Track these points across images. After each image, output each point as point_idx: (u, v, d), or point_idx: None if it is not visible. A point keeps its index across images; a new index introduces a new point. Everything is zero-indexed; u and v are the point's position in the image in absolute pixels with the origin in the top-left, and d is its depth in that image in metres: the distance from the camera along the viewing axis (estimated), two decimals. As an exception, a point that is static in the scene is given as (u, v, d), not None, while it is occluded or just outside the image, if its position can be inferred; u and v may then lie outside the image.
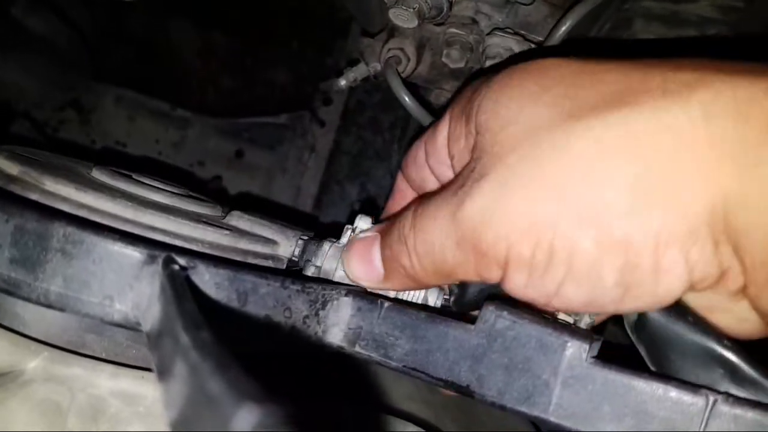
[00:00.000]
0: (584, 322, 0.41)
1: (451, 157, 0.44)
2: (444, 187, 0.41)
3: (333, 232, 0.51)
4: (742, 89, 0.31)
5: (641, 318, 0.39)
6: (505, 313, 0.39)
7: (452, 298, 0.48)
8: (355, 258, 0.46)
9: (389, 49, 0.67)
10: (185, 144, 1.15)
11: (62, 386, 0.39)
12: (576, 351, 0.37)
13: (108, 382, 0.39)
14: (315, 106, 1.21)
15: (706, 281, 0.34)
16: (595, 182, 0.33)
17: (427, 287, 0.46)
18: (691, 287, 0.34)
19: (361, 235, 0.47)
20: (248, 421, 0.16)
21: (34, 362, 0.39)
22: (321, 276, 0.48)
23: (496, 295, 0.44)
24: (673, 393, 0.34)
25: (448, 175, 0.46)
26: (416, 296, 0.48)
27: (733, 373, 0.36)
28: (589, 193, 0.33)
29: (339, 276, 0.47)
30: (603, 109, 0.33)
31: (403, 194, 0.53)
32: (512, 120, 0.37)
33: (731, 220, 0.31)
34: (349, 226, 0.50)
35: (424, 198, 0.42)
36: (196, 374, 0.19)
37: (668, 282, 0.33)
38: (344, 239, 0.49)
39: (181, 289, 0.28)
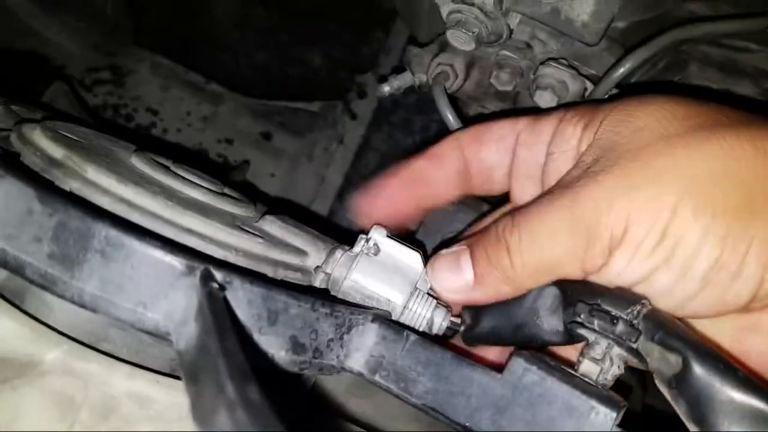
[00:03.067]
0: (611, 373, 0.40)
1: (549, 154, 0.47)
2: (545, 193, 0.44)
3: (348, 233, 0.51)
4: None
5: (685, 371, 0.37)
6: (534, 368, 0.38)
7: (462, 328, 0.47)
8: (442, 268, 0.46)
9: (438, 64, 0.66)
10: (216, 120, 1.15)
11: (78, 381, 0.38)
12: (603, 418, 0.36)
13: (123, 381, 0.39)
14: (349, 98, 1.20)
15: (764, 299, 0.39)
16: (720, 182, 0.38)
17: (516, 293, 0.44)
18: (751, 302, 0.39)
19: (446, 251, 0.47)
20: None
21: (53, 354, 0.38)
22: (330, 283, 0.48)
23: (511, 341, 0.44)
24: (696, 477, 0.34)
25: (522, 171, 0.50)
26: (423, 315, 0.47)
27: None
28: (712, 190, 0.38)
29: (347, 285, 0.47)
30: (723, 133, 0.39)
31: (440, 160, 0.53)
32: (644, 127, 0.41)
33: None
34: (363, 236, 0.49)
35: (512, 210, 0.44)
36: (246, 444, 0.18)
37: (739, 287, 0.38)
38: (357, 248, 0.49)
39: (222, 320, 0.27)
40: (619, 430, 0.36)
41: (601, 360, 0.39)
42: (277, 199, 1.12)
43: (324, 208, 1.13)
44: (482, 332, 0.46)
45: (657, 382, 0.40)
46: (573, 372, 0.39)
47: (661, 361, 0.38)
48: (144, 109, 1.12)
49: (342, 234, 0.54)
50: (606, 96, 0.61)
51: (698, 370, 0.36)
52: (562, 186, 0.42)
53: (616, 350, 0.40)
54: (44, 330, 0.39)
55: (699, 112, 0.41)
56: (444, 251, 0.47)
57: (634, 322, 0.39)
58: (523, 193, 0.51)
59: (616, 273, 0.40)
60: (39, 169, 0.41)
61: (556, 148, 0.47)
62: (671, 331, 0.38)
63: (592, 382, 0.39)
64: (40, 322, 0.40)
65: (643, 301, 0.40)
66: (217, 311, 0.29)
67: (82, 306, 0.34)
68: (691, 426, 0.37)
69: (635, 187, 0.39)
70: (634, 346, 0.39)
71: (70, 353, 0.39)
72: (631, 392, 0.60)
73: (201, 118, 1.14)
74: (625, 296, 0.40)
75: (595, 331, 0.40)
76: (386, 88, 0.71)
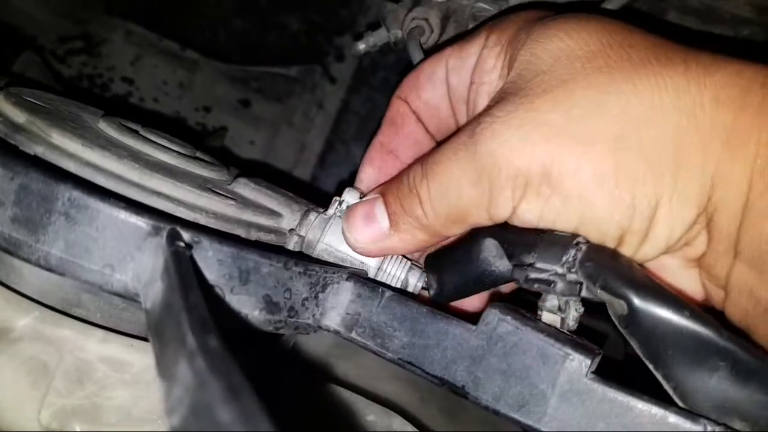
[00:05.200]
0: (572, 318, 0.40)
1: (471, 83, 0.46)
2: (452, 136, 0.43)
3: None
4: (744, 79, 0.35)
5: (631, 312, 0.36)
6: (508, 317, 0.38)
7: (432, 292, 0.47)
8: (357, 217, 0.46)
9: (413, 18, 0.65)
10: (192, 87, 1.13)
11: (50, 347, 0.38)
12: (577, 365, 0.36)
13: (97, 346, 0.39)
14: (327, 61, 1.18)
15: (677, 245, 0.38)
16: (619, 143, 0.37)
17: (434, 239, 0.45)
18: (666, 248, 0.38)
19: (359, 201, 0.47)
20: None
21: (24, 320, 0.38)
22: (304, 246, 0.47)
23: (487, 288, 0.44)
24: (672, 419, 0.34)
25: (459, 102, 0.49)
26: (397, 277, 0.47)
27: (734, 364, 0.35)
28: (609, 152, 0.37)
29: (321, 248, 0.47)
30: (632, 75, 0.37)
31: (395, 126, 0.52)
32: (545, 70, 0.39)
33: (713, 195, 0.36)
34: (337, 198, 0.49)
35: (425, 154, 0.44)
36: (203, 390, 0.18)
37: (647, 249, 0.38)
38: (331, 210, 0.48)
39: (187, 277, 0.27)
40: (594, 376, 0.36)
41: (559, 310, 0.39)
42: (258, 165, 1.11)
43: (305, 174, 1.12)
44: (449, 291, 0.46)
45: (614, 319, 0.38)
46: (546, 324, 0.39)
47: (611, 303, 0.38)
48: (119, 79, 1.10)
49: (325, 199, 0.54)
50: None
51: (643, 310, 0.36)
52: (466, 133, 0.41)
53: (572, 300, 0.39)
54: (15, 297, 0.39)
55: (617, 45, 0.39)
56: (357, 202, 0.47)
57: (572, 270, 0.38)
58: (465, 120, 0.50)
59: (533, 219, 0.40)
60: (2, 135, 0.40)
61: (477, 79, 0.46)
62: (611, 274, 0.37)
63: (566, 332, 0.39)
64: (11, 289, 0.39)
65: (578, 240, 0.38)
66: (182, 269, 0.29)
67: (49, 269, 0.34)
68: (648, 363, 0.38)
69: (534, 140, 0.38)
70: (581, 295, 0.39)
71: (42, 320, 0.39)
72: (607, 340, 0.60)
73: (177, 87, 1.12)
74: (558, 241, 0.39)
75: (545, 285, 0.39)
76: (361, 46, 0.69)
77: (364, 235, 0.45)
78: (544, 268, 0.39)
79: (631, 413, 0.35)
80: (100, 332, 0.39)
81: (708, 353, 0.35)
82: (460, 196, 0.41)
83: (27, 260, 0.34)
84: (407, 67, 1.04)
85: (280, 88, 1.16)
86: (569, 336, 0.38)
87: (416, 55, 0.62)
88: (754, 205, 0.35)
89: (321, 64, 1.17)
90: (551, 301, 0.40)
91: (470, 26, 0.66)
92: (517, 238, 0.41)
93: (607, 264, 0.38)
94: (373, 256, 0.47)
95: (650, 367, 0.38)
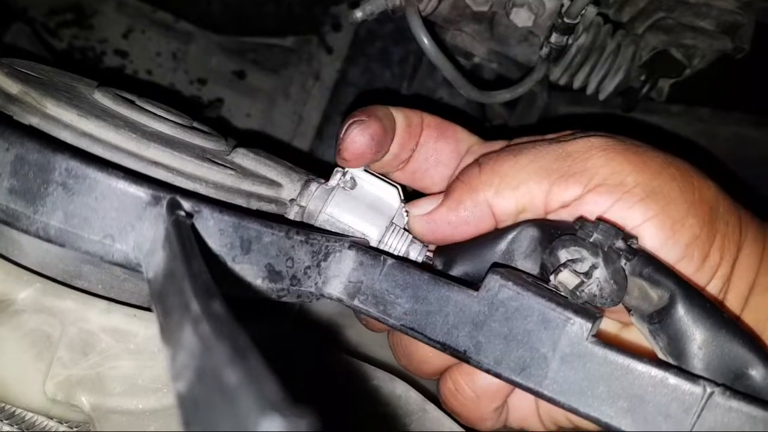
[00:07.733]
0: (587, 290, 0.39)
1: None
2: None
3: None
4: None
5: (670, 307, 0.38)
6: (510, 283, 0.38)
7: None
8: (422, 200, 0.48)
9: (411, -15, 0.64)
10: (187, 59, 1.11)
11: (53, 318, 0.38)
12: (578, 329, 0.37)
13: (100, 317, 0.39)
14: (323, 31, 1.16)
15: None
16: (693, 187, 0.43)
17: (476, 205, 0.44)
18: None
19: None
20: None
21: (26, 292, 0.38)
22: (305, 216, 0.47)
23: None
24: (672, 380, 0.35)
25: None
26: (398, 249, 0.47)
27: (762, 378, 0.36)
28: (691, 186, 0.42)
29: (322, 219, 0.47)
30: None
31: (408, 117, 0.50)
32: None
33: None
34: (339, 169, 0.49)
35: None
36: (209, 354, 0.18)
37: (702, 274, 0.41)
38: (333, 181, 0.48)
39: (188, 245, 0.27)
40: (594, 340, 0.36)
41: (584, 274, 0.39)
42: (255, 137, 1.10)
43: (303, 146, 1.12)
44: (455, 274, 0.45)
45: (633, 318, 0.41)
46: (549, 287, 0.39)
47: (641, 298, 0.39)
48: (112, 51, 1.08)
49: (323, 171, 0.53)
50: (582, 12, 0.59)
51: (683, 307, 0.38)
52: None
53: (600, 272, 0.39)
54: (15, 269, 0.39)
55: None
56: None
57: (621, 251, 0.39)
58: None
59: (598, 211, 0.41)
60: (-4, 106, 0.40)
61: None
62: (660, 267, 0.39)
63: (567, 295, 0.39)
64: (11, 261, 0.39)
65: (634, 238, 0.40)
66: (183, 238, 0.29)
67: (48, 240, 0.33)
68: (670, 358, 0.38)
69: (629, 149, 0.42)
70: (625, 266, 0.39)
71: (43, 291, 0.39)
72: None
73: (171, 59, 1.10)
74: (616, 227, 0.40)
75: (587, 246, 0.39)
76: (359, 14, 0.68)
77: (419, 210, 0.47)
78: (596, 241, 0.39)
79: (632, 375, 0.35)
80: (103, 303, 0.39)
81: (734, 360, 0.37)
82: (530, 163, 0.42)
83: (26, 232, 0.33)
84: (405, 37, 1.02)
85: (276, 59, 1.15)
86: (570, 301, 0.38)
87: (414, 21, 0.61)
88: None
89: (317, 34, 1.15)
90: (581, 266, 0.39)
91: (469, -7, 0.65)
92: (566, 226, 0.41)
93: (657, 258, 0.40)
94: (424, 235, 0.47)
95: (671, 361, 0.39)
